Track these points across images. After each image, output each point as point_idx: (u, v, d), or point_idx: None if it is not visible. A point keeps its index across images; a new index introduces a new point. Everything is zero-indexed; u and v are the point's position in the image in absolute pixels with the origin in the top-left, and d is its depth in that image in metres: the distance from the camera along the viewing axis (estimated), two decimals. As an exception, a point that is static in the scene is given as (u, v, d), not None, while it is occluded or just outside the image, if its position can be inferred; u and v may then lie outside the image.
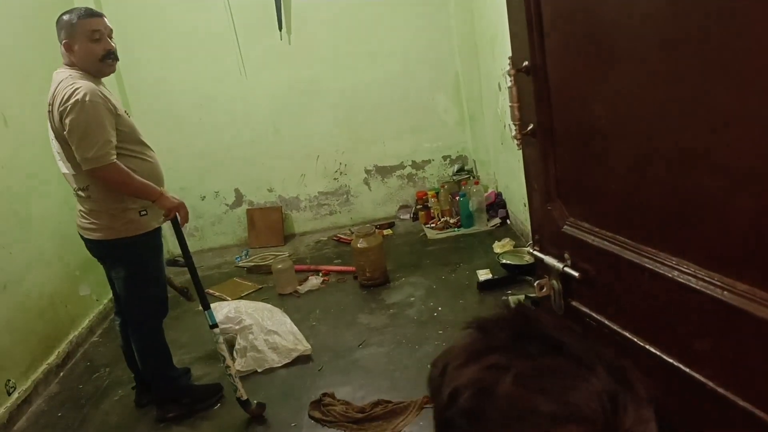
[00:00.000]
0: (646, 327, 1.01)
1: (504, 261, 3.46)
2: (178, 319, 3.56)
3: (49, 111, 2.21)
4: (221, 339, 2.46)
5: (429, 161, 5.02)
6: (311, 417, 2.39)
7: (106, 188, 2.24)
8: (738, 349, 0.82)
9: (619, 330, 1.07)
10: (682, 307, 0.90)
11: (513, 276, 3.36)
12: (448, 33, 4.70)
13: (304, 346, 2.91)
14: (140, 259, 2.40)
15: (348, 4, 4.64)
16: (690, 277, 0.88)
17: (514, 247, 3.79)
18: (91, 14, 2.22)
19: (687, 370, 0.92)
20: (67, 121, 2.10)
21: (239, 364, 2.82)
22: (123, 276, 2.40)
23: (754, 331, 0.78)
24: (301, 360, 2.86)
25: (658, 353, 0.98)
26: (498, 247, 3.86)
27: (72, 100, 2.10)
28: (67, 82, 2.15)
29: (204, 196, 5.00)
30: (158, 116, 4.65)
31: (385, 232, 4.65)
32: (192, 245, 5.02)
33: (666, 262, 0.92)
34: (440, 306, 3.23)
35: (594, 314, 1.14)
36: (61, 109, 2.11)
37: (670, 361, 0.95)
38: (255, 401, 2.49)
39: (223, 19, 4.59)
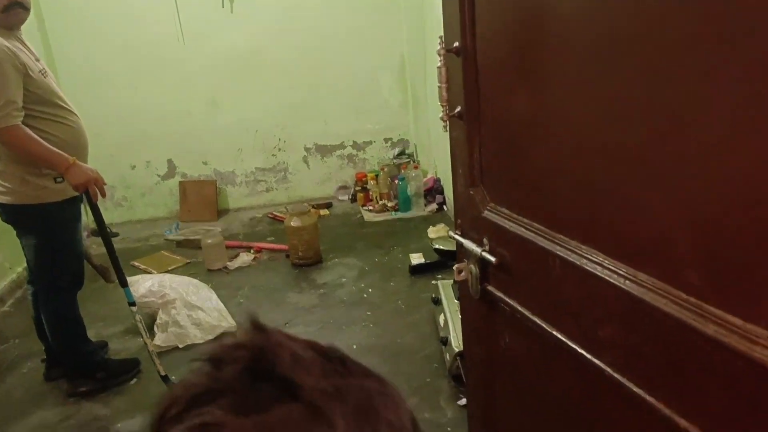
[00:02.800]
0: (554, 313, 1.02)
1: (437, 246, 3.49)
2: (98, 291, 3.41)
3: None
4: (139, 317, 2.37)
5: (370, 143, 5.00)
6: (231, 395, 2.34)
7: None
8: (636, 338, 0.84)
9: (529, 315, 1.08)
10: (589, 295, 0.92)
11: (444, 261, 3.39)
12: (396, 12, 4.66)
13: (228, 323, 2.85)
14: (53, 228, 2.27)
15: (294, -24, 4.53)
16: (597, 266, 0.89)
17: (448, 232, 3.82)
18: None
19: (589, 356, 0.94)
20: None
21: (160, 339, 2.73)
22: (33, 244, 2.27)
23: (651, 321, 0.80)
24: (225, 337, 2.80)
25: (563, 339, 1.00)
26: (432, 231, 3.90)
27: None
28: None
29: (134, 166, 4.81)
30: (87, 78, 4.42)
31: (322, 212, 4.61)
32: (120, 216, 4.86)
33: (576, 251, 0.94)
34: (371, 288, 3.23)
35: (507, 299, 1.15)
36: None
37: (574, 347, 0.97)
38: (173, 378, 2.42)
39: (163, -19, 4.39)
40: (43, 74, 2.15)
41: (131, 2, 4.41)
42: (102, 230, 2.33)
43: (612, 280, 0.86)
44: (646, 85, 0.75)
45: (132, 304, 2.38)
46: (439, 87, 1.19)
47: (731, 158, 0.65)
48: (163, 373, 2.37)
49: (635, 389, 0.85)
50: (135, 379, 2.54)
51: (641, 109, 0.77)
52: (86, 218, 4.60)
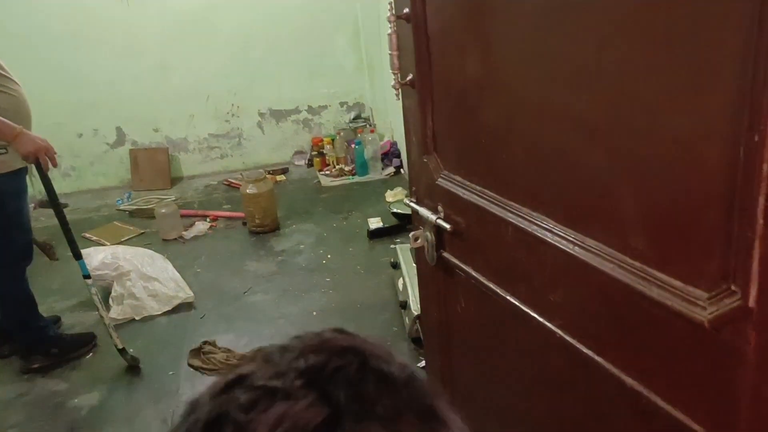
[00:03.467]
0: (508, 278, 1.04)
1: (394, 210, 3.50)
2: (48, 265, 3.30)
3: None
4: (94, 290, 2.32)
5: (325, 107, 4.93)
6: (190, 365, 2.34)
7: None
8: (585, 302, 0.87)
9: (484, 281, 1.10)
10: (540, 261, 0.94)
11: (403, 225, 3.41)
12: (349, -26, 4.55)
13: (186, 293, 2.82)
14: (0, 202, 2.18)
15: (243, -67, 4.35)
16: (547, 232, 0.91)
17: (406, 196, 3.84)
18: None
19: (541, 319, 0.97)
20: None
21: (115, 312, 2.69)
22: None
23: (599, 284, 0.82)
24: (183, 308, 2.78)
25: (517, 303, 1.02)
26: (390, 196, 3.91)
27: None
28: None
29: (81, 134, 4.63)
30: (26, 42, 4.19)
31: (278, 178, 4.56)
32: (69, 186, 4.70)
33: (527, 217, 0.95)
34: (329, 254, 3.23)
35: (462, 265, 1.17)
36: None
37: (526, 310, 1.00)
38: (131, 352, 2.39)
39: (102, -63, 4.16)
40: None
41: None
42: (53, 201, 2.25)
43: (561, 246, 0.88)
44: (591, 46, 0.75)
45: (87, 276, 2.33)
46: (390, 55, 1.17)
47: (672, 122, 0.66)
48: (120, 347, 2.33)
49: (584, 350, 0.88)
50: (91, 354, 2.49)
51: (587, 71, 0.77)
52: (32, 190, 4.44)
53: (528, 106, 0.90)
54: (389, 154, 4.53)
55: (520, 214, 0.97)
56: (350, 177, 4.43)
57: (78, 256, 2.31)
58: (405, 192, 3.93)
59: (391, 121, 4.69)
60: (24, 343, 2.41)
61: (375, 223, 3.44)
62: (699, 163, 0.64)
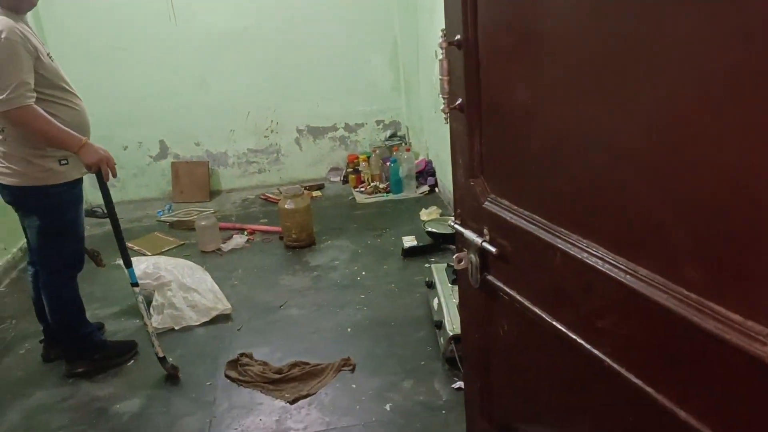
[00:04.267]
0: (554, 304, 1.05)
1: (429, 229, 3.51)
2: (94, 273, 3.40)
3: None
4: (141, 297, 2.39)
5: (362, 125, 4.99)
6: (227, 376, 2.37)
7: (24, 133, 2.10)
8: (635, 331, 0.87)
9: (529, 305, 1.11)
10: (589, 288, 0.94)
11: (437, 244, 3.42)
12: (389, -5, 4.62)
13: (223, 305, 2.87)
14: (56, 210, 2.27)
15: (288, -45, 4.47)
16: (598, 260, 0.91)
17: (441, 215, 3.86)
18: None
19: (587, 346, 0.97)
20: None
21: (156, 321, 2.75)
22: (37, 226, 2.27)
23: (651, 314, 0.82)
24: (220, 319, 2.83)
25: (563, 329, 1.02)
26: (425, 214, 3.92)
27: None
28: None
29: (126, 146, 4.78)
30: (78, 56, 4.36)
31: (314, 193, 4.61)
32: (113, 196, 4.77)
33: (577, 244, 0.96)
34: (364, 270, 3.26)
35: (507, 289, 1.18)
36: None
37: (573, 337, 1.00)
38: (171, 360, 2.44)
39: (153, -42, 4.32)
40: (50, 58, 2.17)
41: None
42: (110, 210, 2.34)
43: (612, 274, 0.88)
44: (644, 77, 0.76)
45: (135, 284, 2.40)
46: (441, 79, 1.20)
47: (730, 156, 0.66)
48: (161, 355, 2.39)
49: (633, 379, 0.88)
50: (132, 361, 2.55)
51: (640, 101, 0.78)
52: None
53: (578, 136, 0.91)
54: (424, 173, 4.55)
55: (569, 240, 0.97)
56: (385, 194, 4.46)
57: (128, 264, 2.39)
58: (440, 211, 3.94)
59: (426, 140, 4.72)
60: (69, 348, 2.49)
61: (409, 241, 3.45)
62: (758, 196, 0.64)
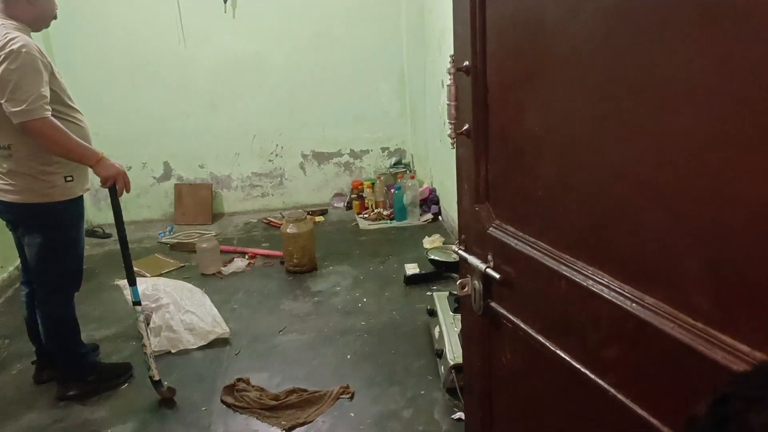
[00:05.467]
0: (559, 332, 1.03)
1: (432, 257, 3.50)
2: (91, 293, 3.40)
3: None
4: (143, 317, 2.37)
5: (367, 151, 5.01)
6: (223, 402, 2.34)
7: (33, 148, 2.10)
8: (641, 361, 0.85)
9: (533, 333, 1.09)
10: (594, 316, 0.93)
11: (440, 272, 3.40)
12: (397, 23, 4.69)
13: (222, 329, 2.84)
14: (59, 227, 2.26)
15: (298, -16, 4.55)
16: (603, 288, 0.90)
17: (444, 243, 3.84)
18: None
19: (592, 376, 0.95)
20: None
21: (153, 343, 2.71)
22: (38, 243, 2.25)
23: (658, 344, 0.80)
24: (219, 343, 2.79)
25: (567, 358, 1.00)
26: (428, 242, 3.90)
27: (7, 50, 1.98)
28: (1, 31, 2.02)
29: (130, 167, 4.79)
30: (85, 75, 4.42)
31: (317, 218, 4.61)
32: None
33: (582, 271, 0.94)
34: (365, 297, 3.23)
35: (510, 316, 1.16)
36: None
37: (578, 366, 0.98)
38: (166, 384, 2.40)
39: (166, -16, 4.39)
40: (59, 75, 2.20)
41: (135, 2, 4.41)
42: (120, 226, 2.33)
43: (618, 302, 0.87)
44: (658, 105, 0.75)
45: (137, 303, 2.38)
46: (448, 105, 1.20)
47: (744, 187, 0.66)
48: (156, 378, 2.35)
49: (639, 411, 0.85)
50: (127, 384, 2.52)
51: (654, 128, 0.77)
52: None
53: (588, 163, 0.90)
54: (428, 201, 4.55)
55: (575, 267, 0.96)
56: (388, 221, 4.46)
57: (132, 282, 2.38)
58: (443, 239, 3.92)
59: (431, 168, 4.73)
60: (63, 369, 2.45)
61: (412, 268, 3.43)
62: (771, 227, 0.63)
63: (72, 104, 2.23)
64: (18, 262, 3.72)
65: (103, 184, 2.22)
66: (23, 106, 1.98)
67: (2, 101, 2.01)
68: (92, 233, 4.43)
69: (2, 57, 1.98)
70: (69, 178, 2.21)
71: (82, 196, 2.32)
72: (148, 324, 2.81)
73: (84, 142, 2.15)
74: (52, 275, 2.33)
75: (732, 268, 0.69)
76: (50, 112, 2.05)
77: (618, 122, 0.83)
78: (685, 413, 0.79)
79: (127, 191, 2.26)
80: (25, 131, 2.05)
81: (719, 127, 0.68)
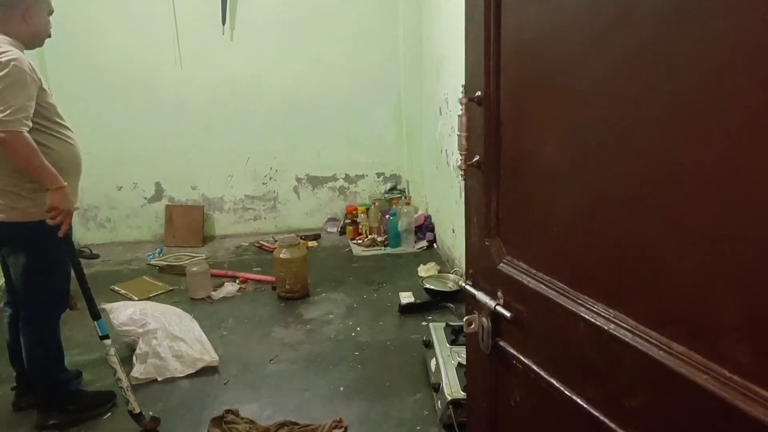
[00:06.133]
0: (575, 377, 0.97)
1: (427, 285, 3.44)
2: (75, 316, 3.27)
3: None
4: (113, 350, 2.27)
5: (362, 176, 4.97)
6: (211, 434, 2.24)
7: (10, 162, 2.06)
8: (669, 412, 0.80)
9: (546, 377, 1.03)
10: (616, 362, 0.87)
11: (435, 301, 3.34)
12: (395, 50, 4.70)
13: (211, 356, 2.75)
14: (45, 246, 2.20)
15: (297, 8, 4.55)
16: (626, 332, 0.85)
17: (439, 272, 3.79)
18: None
19: (612, 425, 0.89)
20: None
21: (138, 371, 2.62)
22: (23, 263, 2.18)
23: (688, 396, 0.75)
24: (207, 371, 2.70)
25: (584, 405, 0.95)
26: (423, 270, 3.85)
27: None
28: None
29: (121, 187, 4.72)
30: (79, 93, 4.37)
31: (310, 243, 4.54)
32: (102, 237, 4.75)
33: (602, 314, 0.90)
34: (359, 326, 3.16)
35: (521, 357, 1.10)
36: None
37: (596, 414, 0.92)
38: (150, 413, 2.31)
39: (164, 4, 4.38)
40: (50, 91, 2.17)
41: (131, 23, 4.39)
42: (73, 257, 2.25)
43: (643, 349, 0.82)
44: (691, 144, 0.71)
45: (104, 337, 2.28)
46: (459, 135, 1.16)
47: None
48: (136, 411, 2.25)
49: (666, 466, 0.80)
50: (109, 413, 2.41)
51: (683, 163, 0.73)
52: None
53: (611, 199, 0.86)
54: (423, 228, 4.50)
55: (594, 309, 0.91)
56: (382, 248, 4.40)
57: (96, 317, 2.28)
58: (438, 267, 3.87)
59: (426, 195, 4.70)
60: (44, 396, 2.35)
61: (407, 297, 3.37)
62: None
63: (61, 121, 2.20)
64: (0, 282, 3.64)
65: (48, 210, 2.09)
66: (1, 116, 1.94)
67: None
68: (79, 253, 4.34)
69: None
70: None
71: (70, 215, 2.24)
72: (134, 350, 2.73)
73: (50, 167, 2.06)
74: (38, 297, 2.25)
75: (774, 318, 0.65)
76: (28, 128, 2.00)
77: (646, 155, 0.79)
78: (718, 472, 0.74)
79: (62, 234, 2.14)
80: None
81: (759, 164, 0.64)
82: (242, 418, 2.31)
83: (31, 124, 2.02)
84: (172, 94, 4.57)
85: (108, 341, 2.28)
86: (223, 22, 4.47)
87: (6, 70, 1.95)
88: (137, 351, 2.72)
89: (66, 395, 2.36)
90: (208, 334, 2.93)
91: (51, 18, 2.23)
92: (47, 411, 2.34)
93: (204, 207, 4.81)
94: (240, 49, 4.55)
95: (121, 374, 2.26)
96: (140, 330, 2.77)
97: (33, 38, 2.17)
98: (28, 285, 2.22)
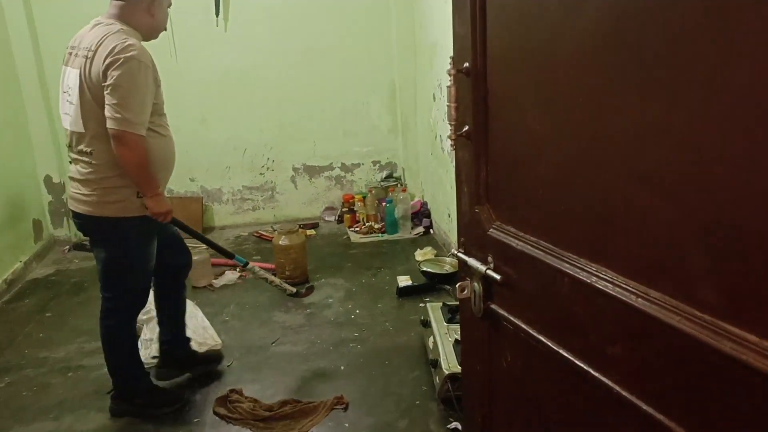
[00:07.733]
0: (561, 331, 1.03)
1: (424, 269, 3.49)
2: (81, 306, 3.36)
3: (85, 57, 2.01)
4: (257, 268, 2.79)
5: (358, 165, 5.01)
6: (216, 413, 2.30)
7: (113, 157, 2.04)
8: (647, 356, 0.85)
9: (534, 334, 1.09)
10: (598, 313, 0.93)
11: (432, 284, 3.40)
12: (387, 38, 4.72)
13: (214, 341, 2.81)
14: (126, 244, 2.18)
15: (290, -1, 4.58)
16: (607, 284, 0.90)
17: (436, 256, 3.84)
18: None
19: (596, 374, 0.95)
20: (114, 73, 1.94)
21: (144, 356, 2.67)
22: (102, 258, 2.19)
23: (664, 338, 0.80)
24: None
25: (570, 357, 1.00)
26: (420, 254, 3.90)
27: (126, 54, 1.95)
28: (120, 35, 2.01)
29: (120, 180, 4.75)
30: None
31: (309, 232, 4.59)
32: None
33: (586, 268, 0.95)
34: (358, 309, 3.21)
35: (511, 317, 1.16)
36: (109, 60, 1.95)
37: (581, 365, 0.98)
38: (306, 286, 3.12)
39: (158, -2, 4.40)
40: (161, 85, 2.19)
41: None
42: (195, 234, 2.63)
43: (623, 298, 0.87)
44: (664, 99, 0.76)
45: (245, 264, 2.76)
46: (448, 106, 1.20)
47: (750, 168, 0.66)
48: (292, 291, 2.93)
49: (645, 407, 0.85)
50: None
51: (660, 122, 0.77)
52: (68, 233, 4.54)
53: (590, 161, 0.91)
54: (419, 214, 4.55)
55: (578, 265, 0.96)
56: (380, 235, 4.45)
57: (231, 256, 2.76)
58: (434, 251, 3.92)
59: (422, 182, 4.75)
60: (116, 386, 2.36)
61: (404, 281, 3.43)
62: (778, 214, 0.64)
63: (164, 113, 2.21)
64: (6, 274, 3.70)
65: (156, 217, 2.16)
66: (128, 116, 1.95)
67: (107, 103, 1.96)
68: (81, 247, 4.38)
69: (121, 61, 1.94)
70: (140, 195, 2.12)
71: None
72: (139, 336, 2.77)
73: (153, 175, 2.09)
74: (116, 291, 2.24)
75: (738, 259, 0.70)
76: (145, 130, 2.04)
77: (621, 118, 0.84)
78: (692, 407, 0.79)
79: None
80: (115, 138, 1.99)
81: (724, 119, 0.69)
82: (246, 397, 2.37)
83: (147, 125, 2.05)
84: (168, 87, 4.54)
85: (250, 264, 2.76)
86: (217, 14, 4.49)
87: (138, 68, 1.96)
88: (142, 337, 2.78)
89: (136, 389, 2.37)
90: (210, 320, 2.99)
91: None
92: (117, 399, 2.36)
93: (203, 198, 4.85)
94: (234, 40, 4.58)
95: (270, 278, 2.79)
96: (144, 317, 2.83)
97: (153, 31, 2.18)
98: (106, 280, 2.23)
